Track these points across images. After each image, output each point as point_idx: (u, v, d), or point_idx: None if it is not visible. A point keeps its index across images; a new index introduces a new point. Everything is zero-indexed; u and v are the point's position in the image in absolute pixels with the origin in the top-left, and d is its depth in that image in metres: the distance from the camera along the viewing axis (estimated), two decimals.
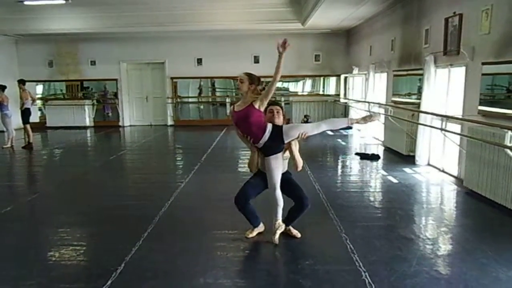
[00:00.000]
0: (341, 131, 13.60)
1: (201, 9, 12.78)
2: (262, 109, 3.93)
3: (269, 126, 3.94)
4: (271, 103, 4.10)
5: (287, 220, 4.28)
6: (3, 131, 11.58)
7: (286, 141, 4.00)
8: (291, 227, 4.34)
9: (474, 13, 6.27)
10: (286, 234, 4.33)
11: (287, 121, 15.88)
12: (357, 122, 4.21)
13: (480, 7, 6.05)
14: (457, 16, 6.72)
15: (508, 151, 4.61)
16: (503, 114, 5.49)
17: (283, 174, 4.14)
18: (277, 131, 3.96)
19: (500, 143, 4.74)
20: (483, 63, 5.95)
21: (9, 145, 11.01)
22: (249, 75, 4.03)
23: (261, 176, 4.19)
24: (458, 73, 6.90)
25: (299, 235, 4.31)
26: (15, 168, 9.23)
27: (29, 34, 14.48)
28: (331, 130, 13.67)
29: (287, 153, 4.17)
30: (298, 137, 4.02)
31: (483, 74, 6.02)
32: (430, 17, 7.93)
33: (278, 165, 4.05)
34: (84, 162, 9.58)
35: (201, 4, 12.23)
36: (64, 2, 11.83)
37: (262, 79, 4.23)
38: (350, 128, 13.96)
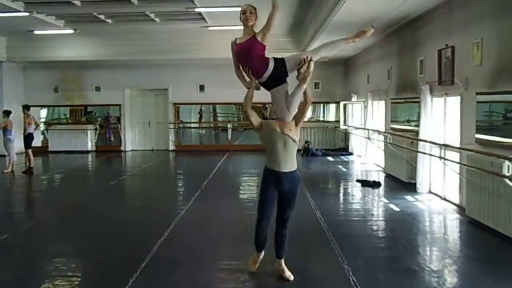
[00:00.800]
0: (342, 157, 13.61)
1: (203, 38, 13.08)
2: (265, 43, 3.75)
3: (272, 60, 3.78)
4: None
5: (278, 252, 4.07)
6: (4, 156, 11.62)
7: (289, 72, 3.84)
8: (284, 267, 4.05)
9: (465, 45, 6.41)
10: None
11: None
12: (353, 41, 3.99)
13: (471, 40, 6.21)
14: (449, 48, 6.87)
15: (507, 180, 4.60)
16: (499, 143, 5.51)
17: (289, 183, 3.86)
18: (280, 63, 3.80)
19: (498, 173, 4.73)
20: (477, 93, 6.05)
21: (9, 169, 11.06)
22: (255, 7, 3.85)
23: (271, 185, 3.87)
24: (454, 102, 6.98)
25: (291, 277, 3.98)
26: (14, 194, 9.22)
27: (37, 61, 14.84)
28: (332, 156, 13.69)
29: (297, 139, 3.91)
30: (303, 65, 3.77)
31: (479, 102, 6.10)
32: (424, 48, 8.12)
33: (281, 92, 3.83)
34: (84, 188, 9.55)
35: (203, 34, 12.49)
36: (72, 31, 12.17)
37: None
38: (351, 154, 13.98)
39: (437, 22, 7.53)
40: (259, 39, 3.71)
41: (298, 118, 3.90)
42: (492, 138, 5.76)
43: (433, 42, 7.63)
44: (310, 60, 3.76)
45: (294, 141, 3.84)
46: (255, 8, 3.82)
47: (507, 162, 4.50)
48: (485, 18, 5.96)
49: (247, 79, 3.89)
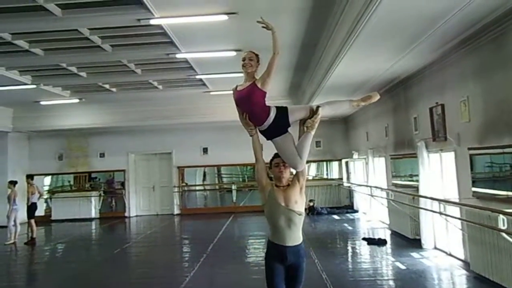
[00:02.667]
0: (347, 215, 13.54)
1: (205, 103, 13.56)
2: (266, 89, 3.61)
3: (274, 108, 3.63)
4: (276, 155, 3.73)
5: None
6: (5, 227, 11.47)
7: (291, 122, 3.68)
8: None
9: (454, 103, 6.72)
10: None
11: None
12: (358, 105, 3.92)
13: (458, 98, 6.53)
14: (440, 106, 7.18)
15: (504, 234, 4.63)
16: (495, 196, 5.59)
17: (293, 257, 3.60)
18: (282, 112, 3.65)
19: (495, 227, 4.77)
20: (469, 148, 6.24)
21: (12, 241, 10.94)
22: (257, 54, 3.74)
23: (275, 259, 3.63)
24: (449, 157, 7.15)
25: None
26: (16, 267, 9.07)
27: (42, 130, 15.19)
28: (337, 214, 13.64)
29: (303, 209, 3.69)
30: (306, 119, 3.68)
31: (479, 154, 6.23)
32: (417, 106, 8.45)
33: (287, 141, 3.66)
34: (87, 257, 9.46)
35: (205, 98, 12.97)
36: (78, 101, 12.61)
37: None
38: (356, 211, 13.92)
39: (427, 81, 7.89)
40: (259, 85, 3.61)
41: (301, 176, 3.66)
42: (488, 191, 5.85)
43: (424, 100, 7.95)
44: (318, 107, 3.70)
45: (299, 215, 3.60)
46: (256, 55, 3.73)
47: (501, 216, 4.56)
48: (469, 77, 6.30)
49: (251, 125, 3.71)
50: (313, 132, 3.69)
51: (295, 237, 3.61)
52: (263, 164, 3.71)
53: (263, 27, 3.61)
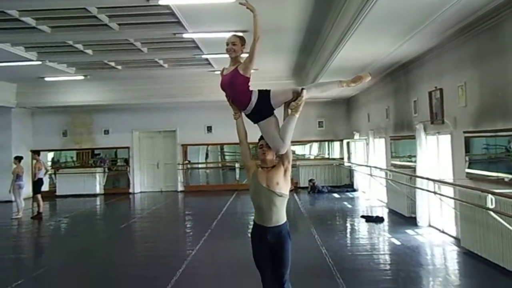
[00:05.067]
0: (347, 194, 13.91)
1: (209, 82, 13.65)
2: (248, 75, 3.59)
3: (255, 93, 3.63)
4: (262, 137, 3.72)
5: None
6: (10, 201, 11.62)
7: (275, 107, 3.66)
8: None
9: (451, 88, 6.99)
10: None
11: (295, 184, 16.05)
12: (348, 86, 3.82)
13: (456, 83, 6.80)
14: (438, 90, 7.45)
15: (491, 213, 4.97)
16: (486, 177, 5.94)
17: (274, 237, 3.63)
18: (264, 96, 3.63)
19: (483, 206, 5.12)
20: (464, 132, 6.55)
21: (20, 215, 11.08)
22: (240, 36, 3.71)
23: (258, 239, 3.70)
24: (446, 140, 7.45)
25: None
26: (24, 240, 9.31)
27: (46, 106, 15.26)
28: (338, 193, 14.01)
29: (286, 191, 3.66)
30: (290, 102, 3.60)
31: (473, 137, 6.54)
32: (416, 90, 8.71)
33: (270, 125, 3.64)
34: (93, 232, 9.65)
35: (210, 77, 13.09)
36: (83, 78, 12.68)
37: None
38: (356, 190, 14.30)
39: (427, 66, 8.12)
40: (241, 71, 3.59)
41: (285, 159, 3.65)
42: (480, 172, 6.18)
43: (424, 84, 8.21)
44: (303, 89, 3.61)
45: (280, 196, 3.60)
46: (240, 38, 3.70)
47: (490, 196, 4.89)
48: (467, 64, 6.55)
49: (235, 109, 3.74)
50: (297, 115, 3.60)
51: (277, 218, 3.62)
52: (246, 146, 3.76)
53: (247, 8, 3.58)
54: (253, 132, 3.79)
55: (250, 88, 3.63)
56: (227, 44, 3.66)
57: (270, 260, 3.66)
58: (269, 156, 3.66)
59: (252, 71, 3.59)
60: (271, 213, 3.60)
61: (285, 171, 3.64)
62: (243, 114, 3.73)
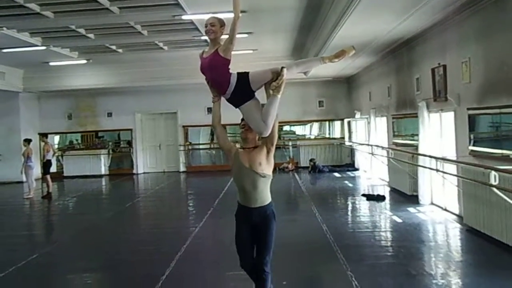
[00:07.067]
0: (348, 173, 13.95)
1: None
2: (228, 57, 3.47)
3: (234, 76, 3.52)
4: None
5: None
6: (21, 182, 12.16)
7: (255, 90, 3.56)
8: None
9: (455, 64, 6.89)
10: None
11: (296, 164, 16.08)
12: (331, 61, 3.70)
13: (460, 59, 6.70)
14: (441, 67, 7.35)
15: (494, 189, 4.96)
16: (490, 154, 5.92)
17: (259, 217, 3.62)
18: (243, 79, 3.52)
19: (486, 182, 5.10)
20: (468, 109, 6.49)
21: (32, 195, 11.54)
22: (219, 18, 3.56)
23: (242, 220, 3.73)
24: (449, 117, 7.41)
25: None
26: (36, 218, 9.76)
27: (52, 90, 15.60)
28: (339, 172, 14.04)
29: (269, 171, 3.62)
30: (276, 77, 3.47)
31: (476, 115, 6.48)
32: (419, 67, 8.60)
33: (251, 108, 3.56)
34: (100, 211, 10.00)
35: None
36: (85, 62, 12.83)
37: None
38: (357, 169, 14.31)
39: (430, 42, 8.01)
40: (221, 52, 3.46)
41: (269, 141, 3.57)
42: (484, 149, 6.15)
43: (427, 61, 8.10)
44: (283, 67, 3.46)
45: (263, 177, 3.56)
46: (219, 20, 3.55)
47: (493, 172, 4.87)
48: (471, 39, 6.44)
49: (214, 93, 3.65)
50: (279, 96, 3.49)
51: (261, 198, 3.59)
52: (221, 129, 3.71)
53: None
54: (236, 114, 3.69)
55: (230, 71, 3.53)
56: (206, 26, 3.55)
57: (253, 243, 3.67)
58: (251, 135, 3.63)
59: (233, 52, 3.47)
60: (255, 193, 3.58)
61: (268, 152, 3.59)
62: (222, 99, 3.65)
